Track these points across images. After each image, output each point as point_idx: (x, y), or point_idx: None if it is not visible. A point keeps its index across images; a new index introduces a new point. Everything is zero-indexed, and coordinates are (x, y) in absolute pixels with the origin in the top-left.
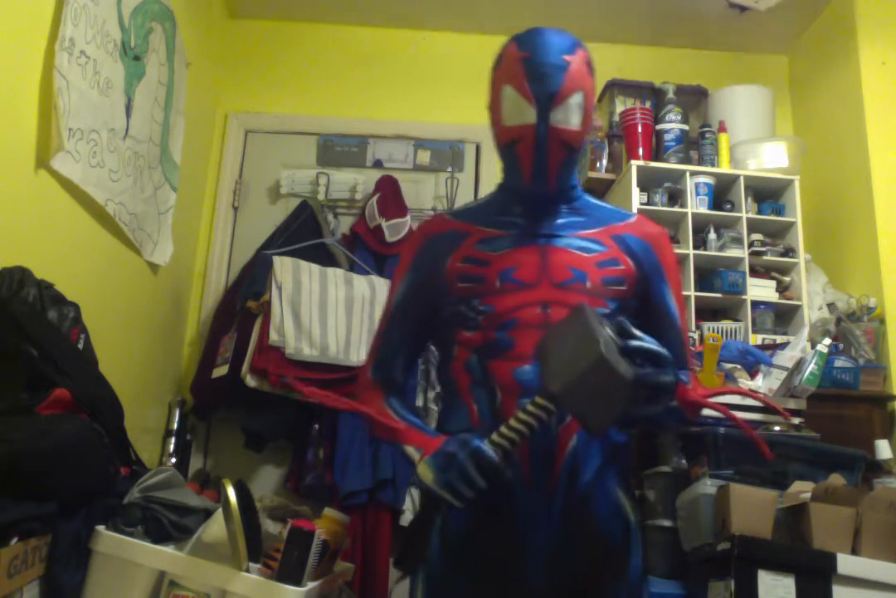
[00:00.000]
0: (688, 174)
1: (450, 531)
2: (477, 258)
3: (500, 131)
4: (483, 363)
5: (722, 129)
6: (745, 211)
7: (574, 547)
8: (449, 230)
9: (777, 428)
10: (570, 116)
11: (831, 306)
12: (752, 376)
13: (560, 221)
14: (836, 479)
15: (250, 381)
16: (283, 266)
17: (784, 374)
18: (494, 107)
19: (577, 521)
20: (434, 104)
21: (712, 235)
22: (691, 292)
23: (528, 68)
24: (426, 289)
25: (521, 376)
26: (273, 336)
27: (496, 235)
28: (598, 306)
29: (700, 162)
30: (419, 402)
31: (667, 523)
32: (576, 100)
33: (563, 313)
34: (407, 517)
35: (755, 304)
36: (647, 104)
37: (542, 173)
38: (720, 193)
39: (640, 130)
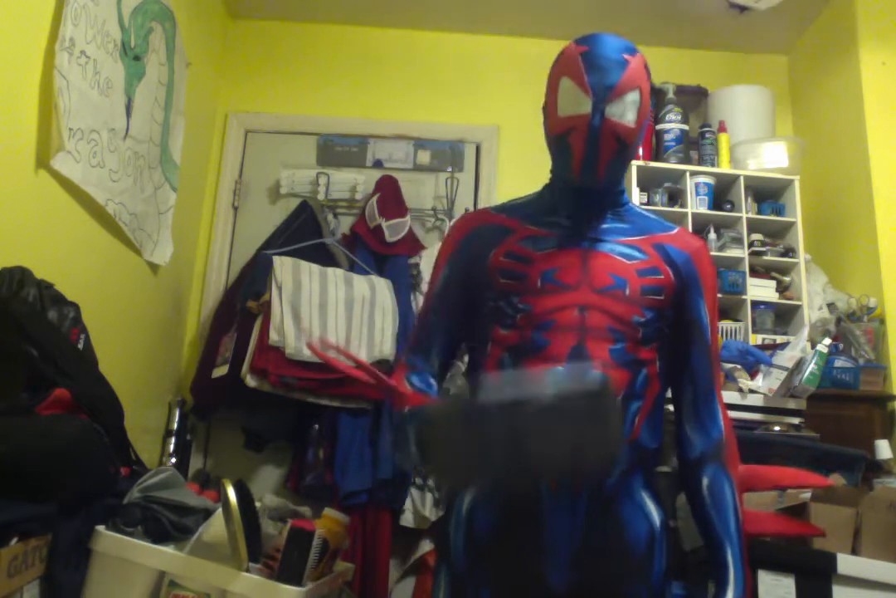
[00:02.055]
0: (688, 174)
1: (475, 530)
2: (520, 255)
3: (553, 123)
4: (516, 363)
5: (722, 129)
6: (745, 211)
7: (598, 548)
8: (494, 223)
9: (777, 428)
10: (625, 112)
11: (831, 306)
12: (752, 376)
13: (605, 225)
14: (836, 479)
15: (250, 381)
16: (283, 266)
17: (784, 374)
18: (550, 100)
19: (602, 522)
20: (434, 104)
21: (712, 235)
22: None
23: (588, 61)
24: (466, 278)
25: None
26: (273, 336)
27: (541, 235)
28: (636, 314)
29: (700, 162)
30: None
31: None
32: (632, 97)
33: (599, 318)
34: (407, 518)
35: (755, 304)
36: None
37: (592, 165)
38: (720, 193)
39: None
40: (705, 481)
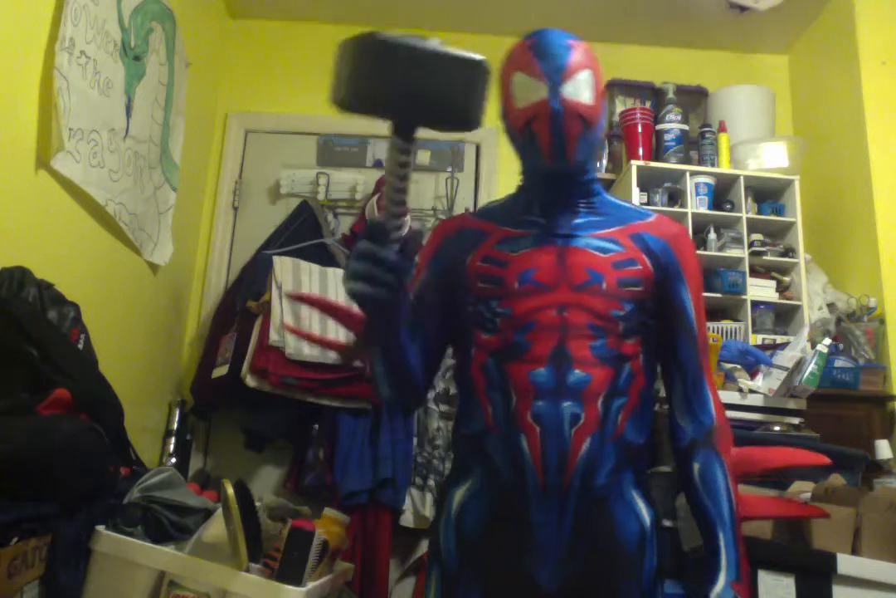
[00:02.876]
0: (688, 174)
1: (465, 530)
2: (496, 259)
3: (513, 117)
4: (499, 366)
5: (722, 129)
6: (745, 211)
7: (588, 548)
8: (470, 228)
9: (777, 428)
10: (580, 91)
11: (831, 306)
12: (752, 376)
13: (579, 220)
14: (836, 479)
15: (250, 381)
16: (283, 266)
17: (784, 374)
18: (506, 98)
19: (592, 522)
20: None
21: (712, 235)
22: None
23: (536, 51)
24: (445, 284)
25: (536, 378)
26: (273, 336)
27: (516, 235)
28: (614, 308)
29: (700, 162)
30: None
31: (667, 523)
32: (584, 76)
33: (579, 315)
34: (407, 518)
35: (755, 304)
36: (647, 104)
37: (560, 147)
38: (720, 193)
39: (640, 130)
40: (696, 467)
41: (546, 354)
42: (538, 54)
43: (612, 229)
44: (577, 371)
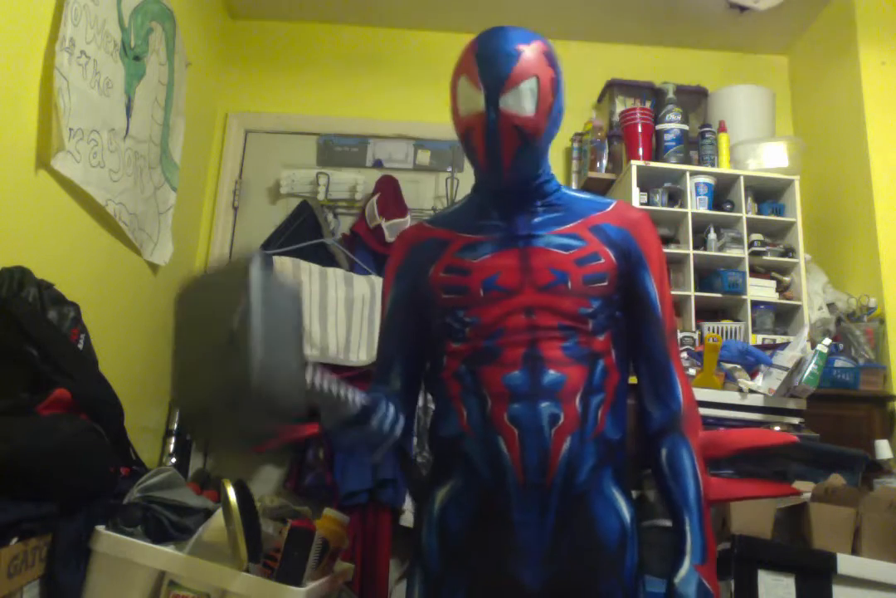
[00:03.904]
0: (688, 174)
1: (447, 532)
2: (459, 267)
3: (457, 123)
4: (472, 371)
5: (722, 129)
6: (745, 211)
7: (570, 546)
8: (429, 238)
9: (777, 428)
10: (521, 102)
11: (831, 306)
12: (752, 376)
13: (537, 219)
14: (836, 479)
15: None
16: (283, 266)
17: (784, 374)
18: (453, 101)
19: (573, 520)
20: (434, 104)
21: (712, 235)
22: (691, 292)
23: (479, 57)
24: (414, 298)
25: (511, 381)
26: None
27: (477, 241)
28: (582, 306)
29: (700, 162)
30: (419, 402)
31: (667, 523)
32: (528, 85)
33: (547, 317)
34: (407, 517)
35: (755, 304)
36: (647, 104)
37: (496, 160)
38: (720, 193)
39: (640, 130)
40: (664, 452)
41: (518, 357)
42: (480, 61)
43: (572, 224)
44: (551, 372)
